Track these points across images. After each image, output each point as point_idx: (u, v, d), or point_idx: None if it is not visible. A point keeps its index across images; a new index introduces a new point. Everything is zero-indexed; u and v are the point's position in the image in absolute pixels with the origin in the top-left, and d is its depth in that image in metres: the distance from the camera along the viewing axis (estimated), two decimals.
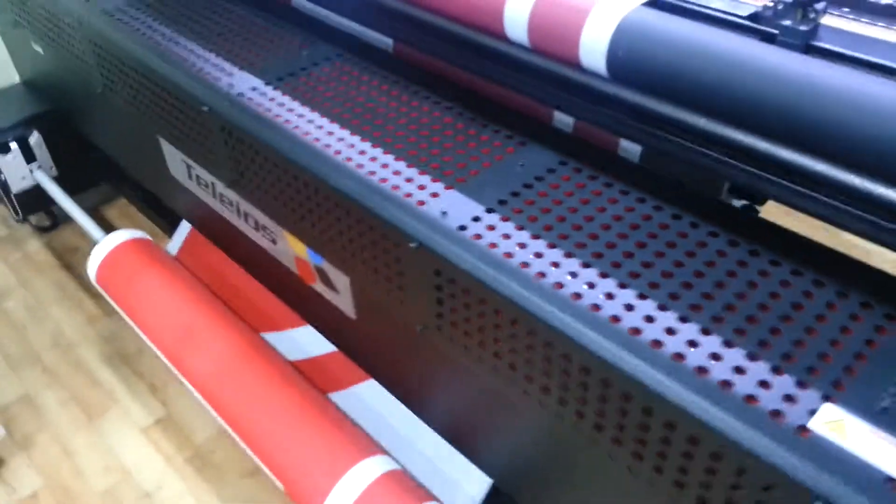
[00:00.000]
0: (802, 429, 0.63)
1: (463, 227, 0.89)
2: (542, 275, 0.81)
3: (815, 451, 0.61)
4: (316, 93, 1.17)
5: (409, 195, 0.94)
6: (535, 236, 0.87)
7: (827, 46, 0.79)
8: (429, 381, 1.11)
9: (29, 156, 1.99)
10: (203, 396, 1.38)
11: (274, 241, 1.29)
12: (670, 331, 0.74)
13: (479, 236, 0.87)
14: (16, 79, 2.14)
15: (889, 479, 0.59)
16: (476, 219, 0.90)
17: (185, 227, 1.79)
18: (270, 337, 1.52)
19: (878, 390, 0.66)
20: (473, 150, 1.02)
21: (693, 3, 0.88)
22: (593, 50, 0.86)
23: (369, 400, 1.39)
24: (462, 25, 1.06)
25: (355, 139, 1.05)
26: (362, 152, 1.03)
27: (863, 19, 0.87)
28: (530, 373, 0.84)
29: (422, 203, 0.93)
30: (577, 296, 0.78)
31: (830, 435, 0.62)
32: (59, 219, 2.25)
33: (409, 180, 0.97)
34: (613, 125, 0.96)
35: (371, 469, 1.19)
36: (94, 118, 1.77)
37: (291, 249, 1.25)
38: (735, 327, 0.73)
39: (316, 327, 1.38)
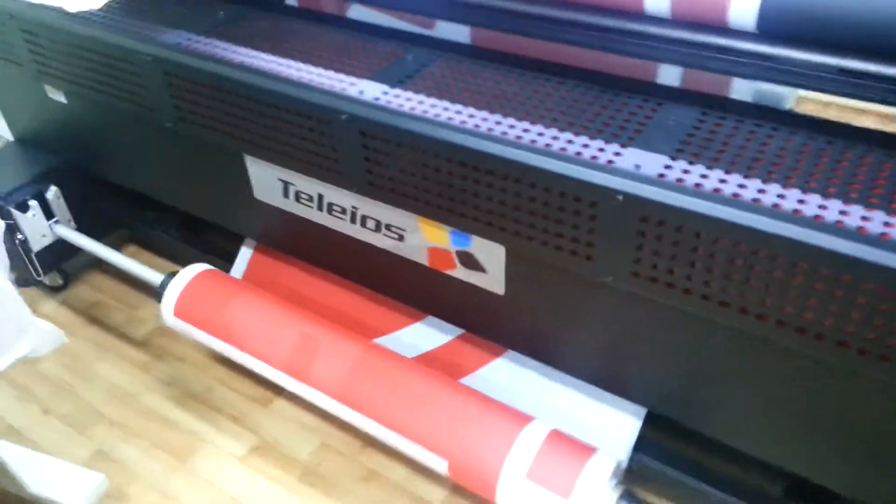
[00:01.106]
0: None
1: (662, 175, 1.00)
2: (757, 200, 0.94)
3: None
4: (442, 89, 1.25)
5: (594, 157, 1.05)
6: (728, 173, 1.00)
7: None
8: (596, 332, 1.21)
9: (48, 212, 1.91)
10: (341, 401, 1.40)
11: (401, 238, 1.34)
12: (887, 224, 0.89)
13: (681, 180, 0.99)
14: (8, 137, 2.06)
15: None
16: (667, 167, 1.02)
17: (245, 254, 1.80)
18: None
19: None
20: (621, 115, 1.14)
21: None
22: (744, 11, 1.00)
23: (496, 379, 1.47)
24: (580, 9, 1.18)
25: (510, 120, 1.15)
26: (526, 130, 1.12)
27: None
28: (746, 292, 0.97)
29: (611, 162, 1.04)
30: (797, 211, 0.92)
31: None
32: (69, 276, 2.15)
33: (584, 146, 1.07)
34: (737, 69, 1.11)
35: (536, 433, 1.27)
36: (139, 159, 1.73)
37: (425, 241, 1.31)
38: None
39: (444, 316, 1.44)
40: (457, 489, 1.53)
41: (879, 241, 0.86)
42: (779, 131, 1.07)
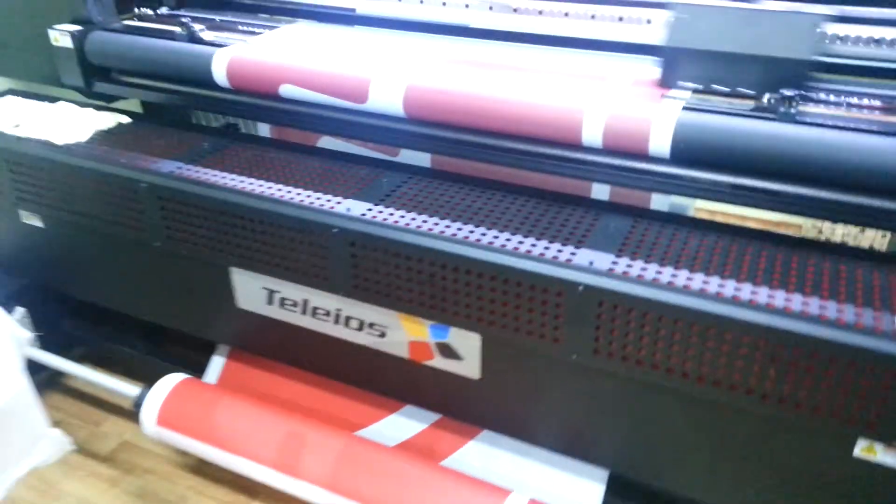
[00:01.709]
0: None
1: (611, 269, 1.25)
2: (703, 290, 1.20)
3: None
4: (416, 205, 1.47)
5: (556, 257, 1.29)
6: (662, 266, 1.26)
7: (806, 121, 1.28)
8: (563, 404, 1.41)
9: None
10: (336, 492, 1.51)
11: (382, 335, 1.52)
12: (787, 299, 1.16)
13: (627, 272, 1.24)
14: None
15: None
16: (614, 263, 1.27)
17: (218, 362, 1.90)
18: None
19: None
20: (571, 223, 1.40)
21: (708, 104, 1.35)
22: (660, 144, 1.29)
23: (470, 460, 1.63)
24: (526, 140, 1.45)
25: (480, 229, 1.38)
26: (495, 237, 1.35)
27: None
28: (685, 359, 1.21)
29: (569, 260, 1.28)
30: (737, 297, 1.17)
31: None
32: None
33: (545, 248, 1.32)
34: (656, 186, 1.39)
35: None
36: (116, 277, 1.84)
37: (406, 336, 1.49)
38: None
39: (421, 404, 1.61)
40: None
41: (785, 313, 1.13)
42: (693, 233, 1.36)
